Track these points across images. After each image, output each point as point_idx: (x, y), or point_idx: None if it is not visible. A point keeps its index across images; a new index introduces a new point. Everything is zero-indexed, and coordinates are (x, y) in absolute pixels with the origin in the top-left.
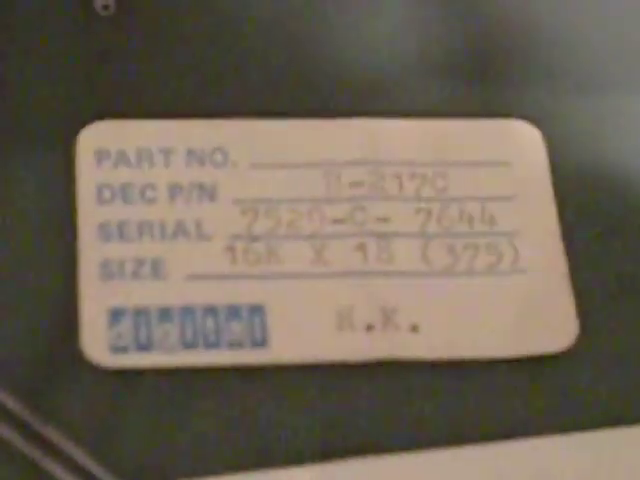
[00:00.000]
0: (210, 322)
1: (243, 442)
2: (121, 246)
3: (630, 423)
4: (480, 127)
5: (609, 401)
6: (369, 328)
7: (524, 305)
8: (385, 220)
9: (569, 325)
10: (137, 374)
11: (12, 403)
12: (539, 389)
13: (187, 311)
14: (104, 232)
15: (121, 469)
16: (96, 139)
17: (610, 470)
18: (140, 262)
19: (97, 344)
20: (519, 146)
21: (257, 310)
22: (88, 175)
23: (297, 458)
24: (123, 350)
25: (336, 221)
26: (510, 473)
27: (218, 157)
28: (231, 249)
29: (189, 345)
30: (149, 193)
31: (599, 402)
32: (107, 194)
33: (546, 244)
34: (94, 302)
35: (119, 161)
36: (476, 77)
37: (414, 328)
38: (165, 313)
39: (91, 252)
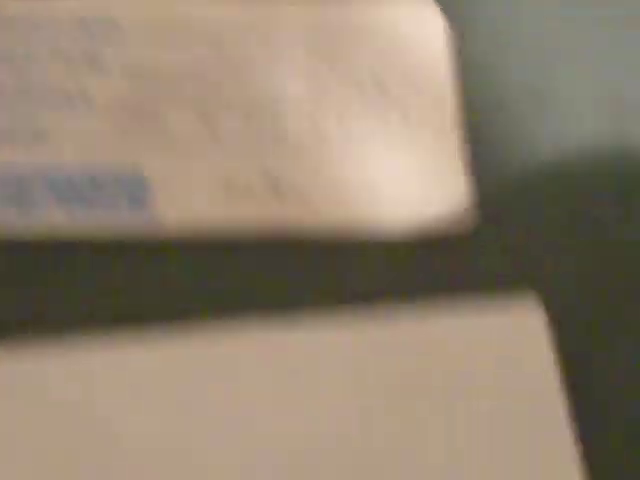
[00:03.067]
0: (90, 186)
1: (115, 312)
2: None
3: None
4: None
5: (504, 284)
6: (255, 196)
7: (424, 188)
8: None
9: (469, 208)
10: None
11: None
12: (437, 270)
13: (68, 175)
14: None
15: None
16: None
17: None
18: (11, 131)
19: None
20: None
21: (139, 175)
22: None
23: (175, 329)
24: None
25: (224, 89)
26: (395, 348)
27: (104, 24)
28: (116, 115)
29: (68, 208)
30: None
31: (496, 284)
32: None
33: (441, 120)
34: None
35: None
36: None
37: (303, 199)
38: (45, 177)
39: None
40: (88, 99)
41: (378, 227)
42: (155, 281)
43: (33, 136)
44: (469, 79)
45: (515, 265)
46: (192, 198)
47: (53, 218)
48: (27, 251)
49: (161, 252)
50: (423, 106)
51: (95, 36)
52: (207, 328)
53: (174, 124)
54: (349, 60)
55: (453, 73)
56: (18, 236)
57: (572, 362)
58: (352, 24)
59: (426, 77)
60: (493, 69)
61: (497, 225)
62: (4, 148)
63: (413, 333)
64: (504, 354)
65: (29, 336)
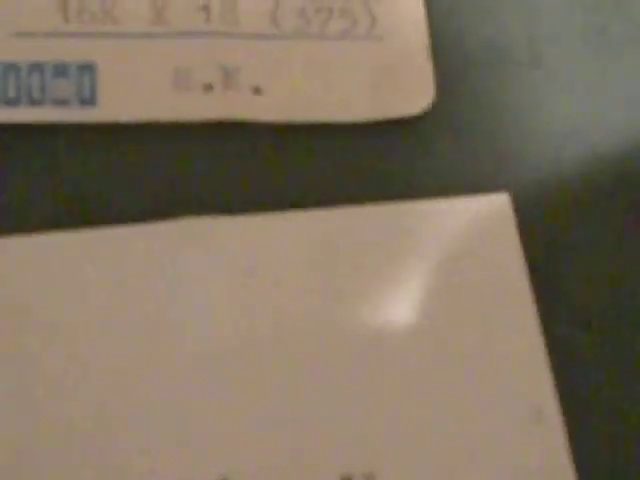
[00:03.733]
0: (35, 79)
1: (65, 201)
2: None
3: (481, 191)
4: None
5: (461, 168)
6: (208, 88)
7: (380, 70)
8: None
9: (426, 90)
10: None
11: None
12: (393, 153)
13: (10, 67)
14: None
15: None
16: None
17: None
18: None
19: None
20: None
21: (87, 68)
22: None
23: (127, 218)
24: None
25: None
26: (357, 237)
27: None
28: (64, 6)
29: (11, 102)
30: None
31: (452, 168)
32: None
33: (407, 12)
34: None
35: None
36: None
37: (257, 90)
38: None
39: None
40: None
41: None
42: (104, 168)
43: None
44: None
45: (477, 150)
46: (141, 89)
47: None
48: None
49: (108, 140)
50: (392, 4)
51: None
52: (150, 216)
53: (126, 16)
54: None
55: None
56: None
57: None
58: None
59: None
60: None
61: (458, 104)
62: None
63: (376, 216)
64: (472, 240)
65: None
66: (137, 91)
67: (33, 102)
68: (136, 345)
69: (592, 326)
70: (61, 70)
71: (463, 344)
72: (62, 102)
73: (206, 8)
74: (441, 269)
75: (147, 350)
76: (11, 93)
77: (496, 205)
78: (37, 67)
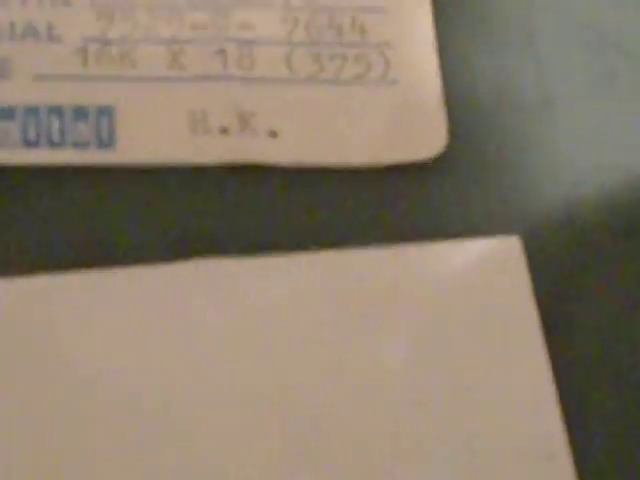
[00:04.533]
0: (55, 122)
1: (83, 242)
2: None
3: (492, 233)
4: None
5: (473, 211)
6: (224, 131)
7: (393, 115)
8: (248, 27)
9: (438, 135)
10: None
11: None
12: (406, 197)
13: (31, 110)
14: None
15: None
16: None
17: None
18: None
19: None
20: None
21: (106, 111)
22: None
23: (143, 259)
24: None
25: (195, 26)
26: (368, 279)
27: None
28: (83, 51)
29: (31, 144)
30: None
31: (463, 211)
32: None
33: (420, 56)
34: None
35: None
36: None
37: (272, 133)
38: (7, 111)
39: None
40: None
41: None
42: (121, 210)
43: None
44: None
45: (490, 196)
46: (158, 132)
47: (17, 154)
48: None
49: (126, 182)
50: (406, 50)
51: None
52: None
53: (144, 60)
54: None
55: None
56: None
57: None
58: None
59: None
60: None
61: (470, 148)
62: None
63: (388, 258)
64: (483, 282)
65: None
66: (154, 134)
67: (52, 144)
68: (149, 385)
69: (603, 369)
70: (80, 113)
71: (473, 384)
72: (81, 144)
73: (222, 52)
74: (452, 310)
75: (161, 390)
76: (31, 135)
77: (507, 247)
78: (57, 110)
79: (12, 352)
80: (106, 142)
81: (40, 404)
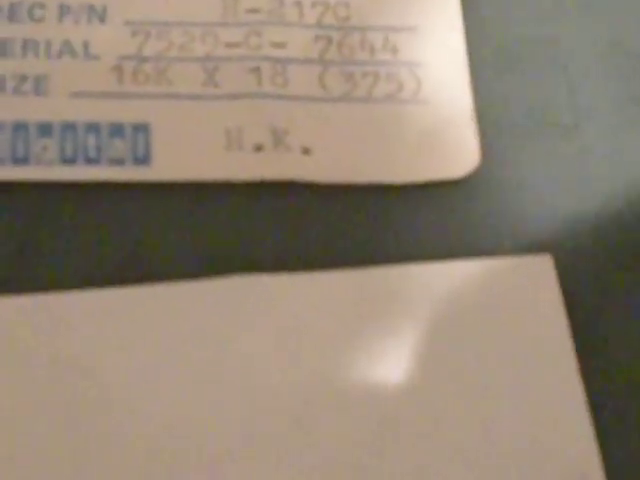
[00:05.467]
0: (91, 139)
1: (119, 258)
2: (3, 62)
3: (522, 252)
4: None
5: (504, 230)
6: (258, 149)
7: (425, 133)
8: (282, 45)
9: (470, 154)
10: (13, 187)
11: None
12: (437, 215)
13: (68, 127)
14: None
15: None
16: None
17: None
18: (22, 79)
19: None
20: None
21: (141, 128)
22: None
23: (178, 275)
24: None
25: (230, 45)
26: (402, 296)
27: None
28: (119, 69)
29: (68, 161)
30: (37, 12)
31: (495, 229)
32: None
33: (451, 75)
34: None
35: None
36: None
37: (305, 150)
38: (45, 128)
39: None
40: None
41: (379, 172)
42: (157, 226)
43: (34, 87)
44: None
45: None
46: (193, 149)
47: (54, 170)
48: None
49: (161, 198)
50: (437, 69)
51: None
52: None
53: (179, 78)
54: None
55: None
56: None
57: (579, 319)
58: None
59: None
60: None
61: (501, 167)
62: (7, 97)
63: (423, 275)
64: (515, 301)
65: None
66: (190, 150)
67: (89, 161)
68: (186, 400)
69: (637, 387)
70: (117, 130)
71: (505, 402)
72: (117, 161)
73: (257, 70)
74: (484, 328)
75: (196, 405)
76: (68, 152)
77: (539, 265)
78: (93, 127)
79: (41, 368)
80: (142, 159)
81: (68, 419)
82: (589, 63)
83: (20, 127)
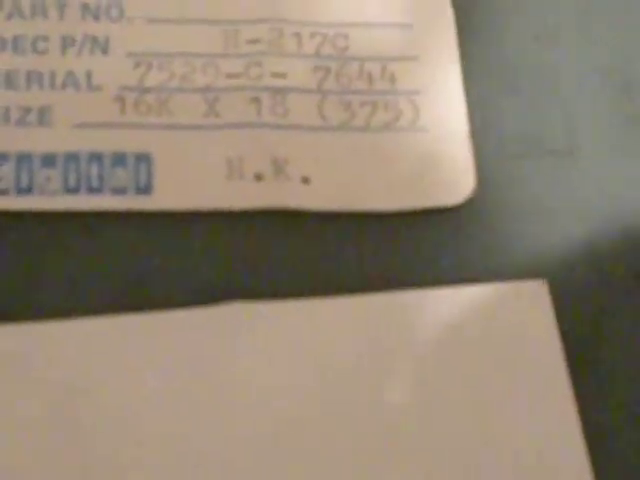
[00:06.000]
0: (94, 168)
1: (120, 287)
2: (7, 94)
3: (518, 277)
4: None
5: (500, 256)
6: (259, 178)
7: (422, 161)
8: (282, 76)
9: (466, 180)
10: (17, 217)
11: None
12: (434, 241)
13: (71, 157)
14: None
15: None
16: None
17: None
18: (26, 110)
19: None
20: (423, 8)
21: (143, 158)
22: None
23: (179, 302)
24: (3, 192)
25: (231, 75)
26: (399, 323)
27: (113, 12)
28: (121, 99)
29: (71, 190)
30: (41, 44)
31: (491, 255)
32: None
33: (448, 104)
34: None
35: (13, 13)
36: None
37: (305, 179)
38: (49, 159)
39: None
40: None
41: (377, 200)
42: (159, 255)
43: (38, 118)
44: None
45: (516, 241)
46: (194, 178)
47: (57, 200)
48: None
49: (163, 227)
50: (434, 98)
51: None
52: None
53: (180, 108)
54: None
55: None
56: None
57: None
58: None
59: None
60: None
61: (497, 194)
62: (11, 128)
63: (418, 302)
64: (509, 326)
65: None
66: (191, 180)
67: (92, 190)
68: (183, 426)
69: (632, 415)
70: (119, 159)
71: (498, 428)
72: (119, 190)
73: (256, 100)
74: (478, 354)
75: (193, 431)
76: (71, 182)
77: (533, 291)
78: (96, 156)
79: (47, 396)
80: (144, 188)
81: (69, 446)
82: (585, 88)
83: (24, 158)
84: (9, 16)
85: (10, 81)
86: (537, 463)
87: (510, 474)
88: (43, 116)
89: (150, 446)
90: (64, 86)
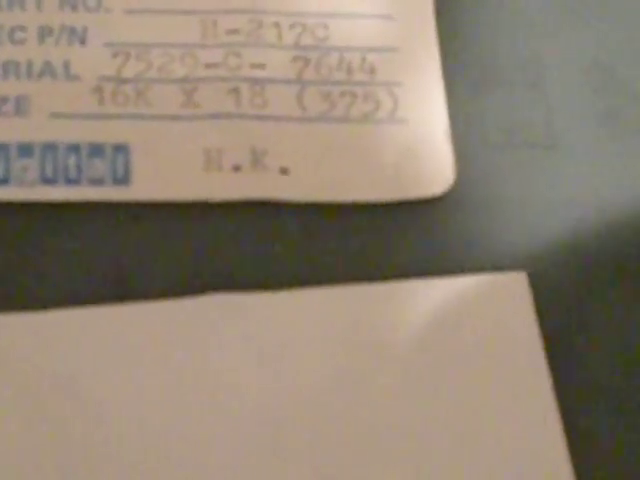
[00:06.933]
0: (72, 159)
1: (100, 277)
2: None
3: (498, 269)
4: None
5: (479, 247)
6: (237, 169)
7: (402, 152)
8: (260, 66)
9: (446, 172)
10: None
11: None
12: (414, 233)
13: (49, 148)
14: None
15: None
16: None
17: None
18: (3, 100)
19: None
20: (404, 0)
21: (121, 149)
22: None
23: (157, 293)
24: None
25: (209, 65)
26: (378, 314)
27: (91, 2)
28: (99, 90)
29: (49, 181)
30: (18, 34)
31: (470, 247)
32: None
33: (428, 95)
34: None
35: None
36: None
37: (284, 170)
38: (26, 149)
39: None
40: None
41: (356, 191)
42: (136, 245)
43: (15, 107)
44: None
45: (495, 230)
46: (172, 169)
47: (35, 191)
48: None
49: (141, 218)
50: (414, 89)
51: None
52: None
53: (158, 98)
54: None
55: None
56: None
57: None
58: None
59: None
60: None
61: (476, 186)
62: None
63: (397, 293)
64: (489, 318)
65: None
66: (169, 171)
67: (69, 181)
68: (165, 417)
69: (611, 405)
70: (96, 150)
71: (477, 418)
72: (97, 181)
73: (236, 91)
74: (458, 345)
75: (175, 422)
76: (49, 172)
77: (513, 283)
78: (74, 147)
79: (28, 386)
80: (121, 179)
81: (51, 438)
82: (567, 82)
83: (1, 147)
84: None
85: None
86: (515, 453)
87: (491, 464)
88: (20, 106)
89: (134, 438)
90: (41, 76)
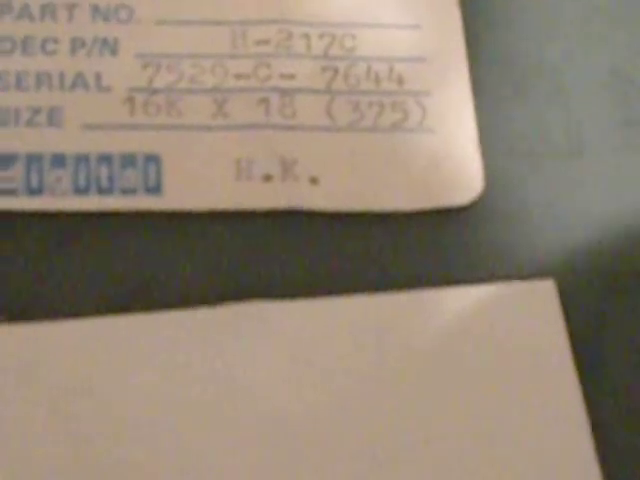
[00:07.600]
0: (104, 169)
1: (131, 286)
2: (17, 95)
3: (525, 277)
4: None
5: (507, 256)
6: (267, 178)
7: (430, 161)
8: (290, 77)
9: (474, 181)
10: (27, 217)
11: None
12: (442, 241)
13: (81, 158)
14: (1, 82)
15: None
16: None
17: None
18: (36, 111)
19: None
20: (431, 9)
21: (153, 159)
22: None
23: (190, 301)
24: (14, 193)
25: (239, 76)
26: (407, 322)
27: (123, 14)
28: (130, 101)
29: (81, 191)
30: (50, 45)
31: (498, 255)
32: (7, 46)
33: (456, 104)
34: None
35: (22, 14)
36: None
37: (313, 180)
38: (58, 159)
39: None
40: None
41: (385, 200)
42: (168, 254)
43: (48, 118)
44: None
45: (523, 241)
46: (203, 179)
47: (67, 201)
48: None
49: (172, 227)
50: (442, 99)
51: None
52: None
53: (189, 109)
54: None
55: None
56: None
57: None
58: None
59: None
60: None
61: (504, 195)
62: (21, 129)
63: (427, 302)
64: (517, 326)
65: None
66: (200, 180)
67: (101, 191)
68: (189, 427)
69: (638, 414)
70: (128, 160)
71: (507, 431)
72: (129, 191)
73: (265, 101)
74: (486, 353)
75: (199, 432)
76: (81, 183)
77: (541, 291)
78: (106, 158)
79: (56, 396)
80: (153, 188)
81: (70, 447)
82: (591, 91)
83: (34, 158)
84: (18, 17)
85: (20, 82)
86: (545, 461)
87: (516, 470)
88: (53, 117)
89: (153, 446)
90: (73, 87)
